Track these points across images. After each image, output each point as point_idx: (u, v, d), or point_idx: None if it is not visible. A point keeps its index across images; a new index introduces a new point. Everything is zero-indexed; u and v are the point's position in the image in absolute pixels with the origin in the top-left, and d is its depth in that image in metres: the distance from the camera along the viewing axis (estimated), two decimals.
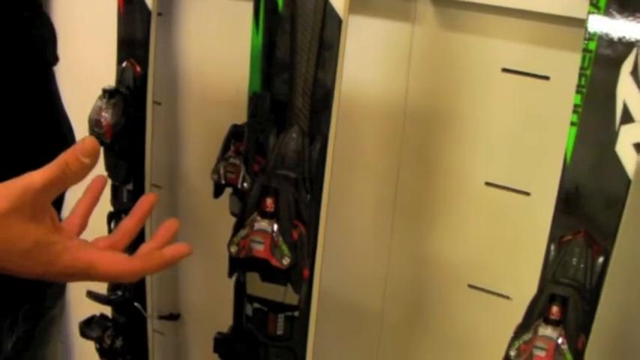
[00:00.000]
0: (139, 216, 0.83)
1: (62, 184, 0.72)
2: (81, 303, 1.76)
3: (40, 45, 0.98)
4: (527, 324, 1.03)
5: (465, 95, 1.31)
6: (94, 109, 1.61)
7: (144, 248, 0.80)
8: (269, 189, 1.19)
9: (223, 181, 1.43)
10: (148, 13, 1.61)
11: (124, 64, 1.65)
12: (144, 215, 0.84)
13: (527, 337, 1.02)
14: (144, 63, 1.64)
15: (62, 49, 1.03)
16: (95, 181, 0.86)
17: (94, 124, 1.61)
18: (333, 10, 1.20)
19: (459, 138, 1.34)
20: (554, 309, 1.01)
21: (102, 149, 1.61)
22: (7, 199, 0.70)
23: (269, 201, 1.19)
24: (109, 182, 1.70)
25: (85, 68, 1.80)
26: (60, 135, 1.04)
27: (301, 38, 1.24)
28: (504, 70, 1.25)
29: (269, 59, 1.37)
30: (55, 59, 1.03)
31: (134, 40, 1.64)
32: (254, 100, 1.39)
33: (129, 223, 0.83)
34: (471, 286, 1.38)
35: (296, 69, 1.25)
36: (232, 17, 1.55)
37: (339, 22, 1.20)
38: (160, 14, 1.65)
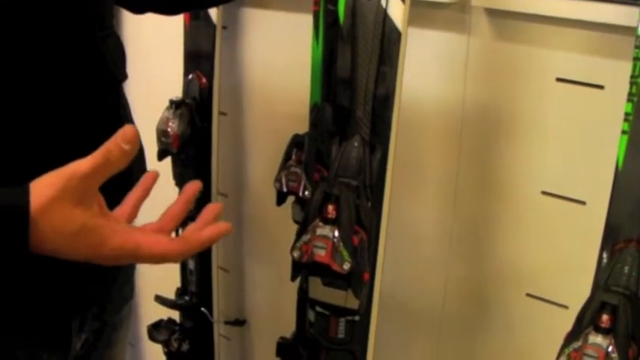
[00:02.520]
0: (184, 201, 0.88)
1: (106, 170, 0.77)
2: (149, 307, 1.82)
3: (110, 63, 1.03)
4: (578, 331, 1.03)
5: (521, 105, 1.32)
6: (161, 120, 1.67)
7: (187, 230, 0.84)
8: (331, 196, 1.23)
9: (285, 190, 1.47)
10: (213, 26, 1.66)
11: (190, 76, 1.70)
12: (188, 201, 0.88)
13: (577, 344, 1.02)
14: (209, 75, 1.69)
15: (132, 63, 1.08)
16: (147, 175, 0.90)
17: (162, 134, 1.67)
18: (392, 23, 1.23)
19: (516, 147, 1.35)
20: (604, 317, 1.01)
21: (169, 158, 1.68)
22: (54, 185, 0.75)
23: (330, 207, 1.23)
24: (177, 190, 1.75)
25: (153, 81, 1.86)
26: None
27: (362, 50, 1.27)
28: (559, 79, 1.26)
29: (329, 70, 1.40)
30: (123, 77, 1.08)
31: (200, 53, 1.70)
32: (314, 110, 1.43)
33: (174, 209, 0.87)
34: (529, 295, 1.39)
35: (356, 80, 1.28)
36: (294, 30, 1.58)
37: (398, 34, 1.22)
38: (224, 27, 1.70)
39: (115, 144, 0.77)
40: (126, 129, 0.78)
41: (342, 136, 1.32)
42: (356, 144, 1.28)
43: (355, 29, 1.27)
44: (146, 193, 0.88)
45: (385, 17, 1.23)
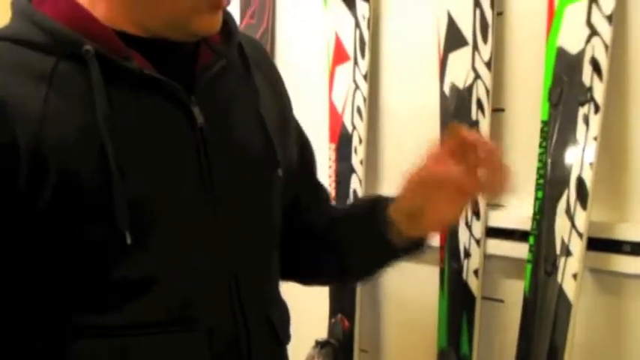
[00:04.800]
0: None
1: None
2: None
3: (278, 330, 1.20)
4: None
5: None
6: (308, 357, 1.87)
7: None
8: None
9: None
10: None
11: (334, 320, 1.91)
12: None
13: None
14: (351, 317, 1.90)
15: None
16: None
17: None
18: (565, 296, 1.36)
19: None
20: None
21: None
22: None
23: None
24: None
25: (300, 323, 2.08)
26: None
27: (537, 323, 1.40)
28: None
29: (454, 320, 1.59)
30: (288, 339, 1.26)
31: (342, 298, 1.92)
32: (440, 356, 1.60)
33: None
34: None
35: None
36: (424, 280, 1.77)
37: (569, 304, 1.36)
38: None
39: None
40: None
41: None
42: None
43: (536, 301, 1.41)
44: None
45: (560, 290, 1.37)
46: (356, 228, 1.28)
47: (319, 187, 1.39)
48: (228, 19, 1.14)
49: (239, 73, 1.16)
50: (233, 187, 1.10)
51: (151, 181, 1.02)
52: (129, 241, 0.98)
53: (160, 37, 1.06)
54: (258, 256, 1.15)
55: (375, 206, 1.26)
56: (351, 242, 1.28)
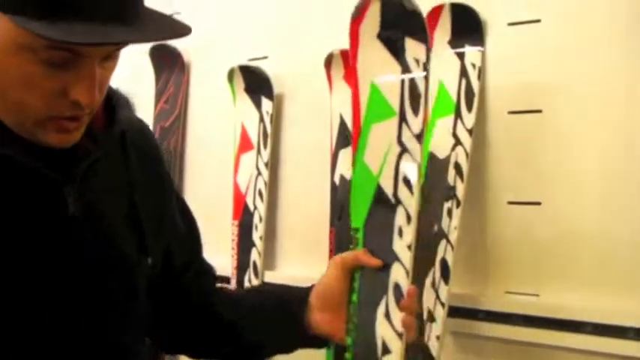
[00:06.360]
0: None
1: None
2: None
3: None
4: None
5: None
6: None
7: None
8: None
9: None
10: None
11: None
12: None
13: None
14: None
15: None
16: None
17: None
18: None
19: None
20: None
21: None
22: None
23: None
24: None
25: None
26: None
27: None
28: None
29: None
30: None
31: None
32: None
33: None
34: None
35: None
36: None
37: None
38: None
39: None
40: None
41: None
42: None
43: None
44: None
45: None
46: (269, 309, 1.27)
47: (206, 266, 1.36)
48: (116, 104, 1.10)
49: (117, 162, 1.12)
50: (99, 278, 1.06)
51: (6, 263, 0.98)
52: None
53: None
54: (121, 342, 1.11)
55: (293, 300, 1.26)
56: (259, 326, 1.27)
